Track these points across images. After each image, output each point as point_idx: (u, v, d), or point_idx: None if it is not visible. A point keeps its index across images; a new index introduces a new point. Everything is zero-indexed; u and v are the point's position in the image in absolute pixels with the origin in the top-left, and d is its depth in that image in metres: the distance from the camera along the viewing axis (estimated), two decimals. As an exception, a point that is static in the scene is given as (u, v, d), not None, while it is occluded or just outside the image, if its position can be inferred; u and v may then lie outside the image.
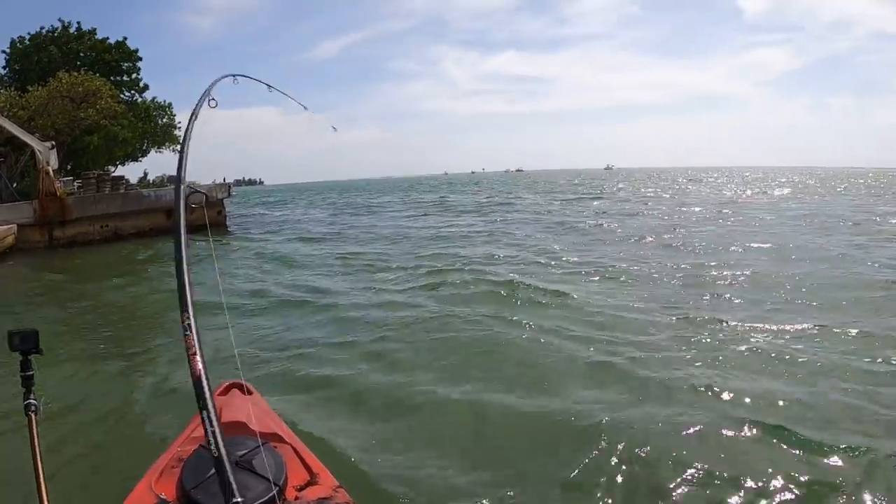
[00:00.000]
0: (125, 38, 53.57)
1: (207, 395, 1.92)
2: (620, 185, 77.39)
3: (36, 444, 2.35)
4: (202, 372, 1.96)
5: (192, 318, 2.08)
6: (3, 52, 51.87)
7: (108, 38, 52.79)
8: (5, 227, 29.47)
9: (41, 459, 2.32)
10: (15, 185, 38.55)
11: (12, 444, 5.04)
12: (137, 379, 8.67)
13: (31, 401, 2.48)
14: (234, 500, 1.83)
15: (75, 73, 43.07)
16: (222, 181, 42.89)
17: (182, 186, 2.57)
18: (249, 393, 3.51)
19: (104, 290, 17.28)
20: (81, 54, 50.78)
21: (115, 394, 8.02)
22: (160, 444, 3.61)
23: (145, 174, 51.67)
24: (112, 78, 49.34)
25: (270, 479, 2.21)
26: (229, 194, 41.89)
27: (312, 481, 2.60)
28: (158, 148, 54.98)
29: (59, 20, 52.07)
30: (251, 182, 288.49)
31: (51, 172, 33.94)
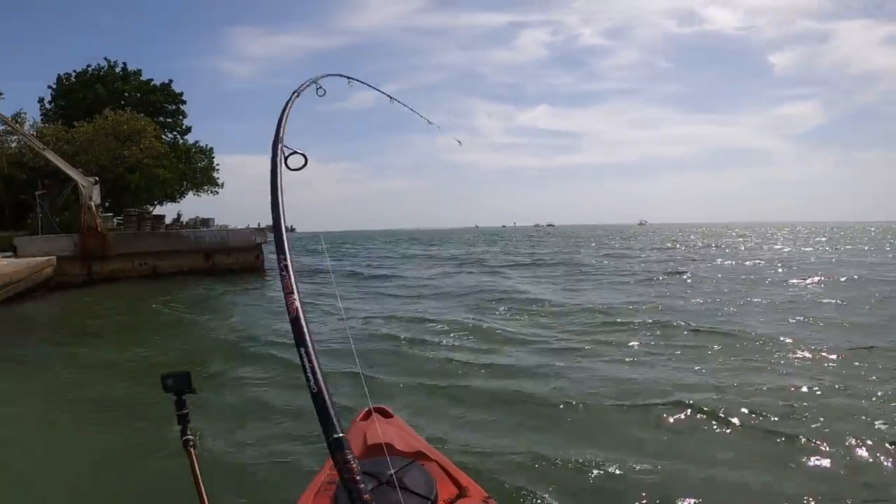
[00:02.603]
0: (170, 81, 54.43)
1: (305, 332, 1.92)
2: (699, 243, 72.86)
3: (199, 477, 2.52)
4: (299, 310, 1.97)
5: (288, 258, 2.13)
6: (51, 87, 52.73)
7: (152, 79, 53.54)
8: (45, 258, 29.24)
9: (206, 492, 2.48)
10: (57, 218, 38.56)
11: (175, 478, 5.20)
12: (274, 402, 9.21)
13: (189, 437, 2.62)
14: None
15: (121, 112, 43.44)
16: (257, 226, 42.75)
17: (280, 146, 2.56)
18: (390, 416, 3.62)
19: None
20: (126, 94, 51.48)
21: (258, 419, 8.47)
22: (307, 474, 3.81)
23: (179, 215, 51.76)
24: (156, 118, 49.97)
25: (423, 494, 2.33)
26: (266, 240, 41.70)
27: (462, 494, 2.69)
28: (197, 191, 55.17)
29: (106, 59, 53.24)
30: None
31: (93, 207, 33.95)
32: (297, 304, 2.00)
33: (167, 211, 51.82)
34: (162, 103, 53.26)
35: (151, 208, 50.43)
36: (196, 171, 54.53)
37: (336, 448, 1.73)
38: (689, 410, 8.04)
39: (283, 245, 2.19)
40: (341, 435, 1.75)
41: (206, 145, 56.17)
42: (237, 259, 37.54)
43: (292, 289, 2.04)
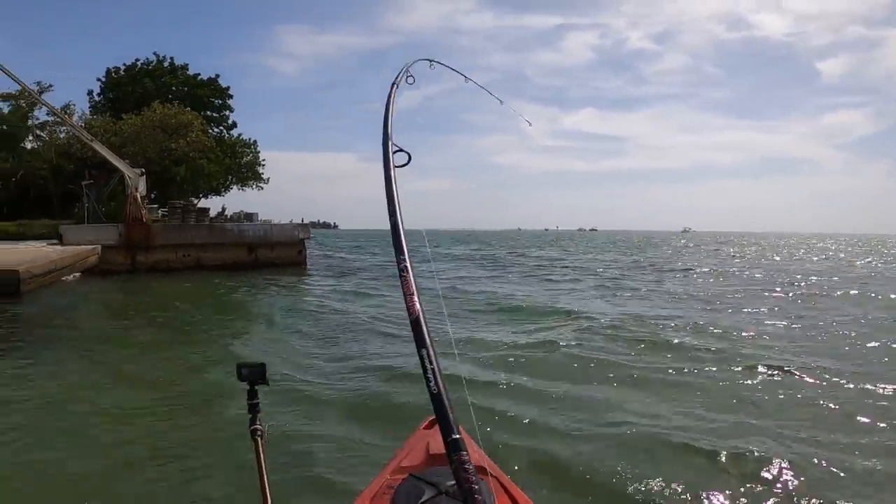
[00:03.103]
0: (217, 76, 54.80)
1: (426, 333, 1.94)
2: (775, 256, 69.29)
3: (263, 466, 2.54)
4: (420, 313, 1.98)
5: (407, 259, 2.13)
6: (99, 80, 53.36)
7: (199, 73, 53.98)
8: (90, 246, 29.60)
9: (268, 480, 2.51)
10: (103, 207, 39.00)
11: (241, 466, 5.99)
12: (337, 403, 9.09)
13: (258, 426, 2.66)
14: None
15: (169, 105, 43.80)
16: (301, 222, 42.79)
17: (389, 142, 2.55)
18: None
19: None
20: (174, 88, 51.93)
21: (323, 418, 8.44)
22: (371, 471, 3.60)
23: (223, 209, 52.08)
24: (203, 113, 50.35)
25: None
26: (308, 236, 41.70)
27: None
28: (241, 185, 55.52)
29: (154, 54, 53.91)
30: (326, 225, 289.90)
31: (139, 198, 34.28)
32: (418, 305, 2.01)
33: (212, 204, 52.39)
34: (209, 98, 53.70)
35: (196, 201, 50.79)
36: (241, 165, 54.81)
37: (453, 449, 1.77)
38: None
39: (402, 246, 2.20)
40: (459, 436, 1.79)
41: (251, 138, 56.65)
42: (280, 254, 37.76)
43: (412, 290, 2.06)
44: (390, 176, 2.44)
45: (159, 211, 39.00)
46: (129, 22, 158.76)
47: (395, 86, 3.13)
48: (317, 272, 36.65)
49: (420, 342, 1.93)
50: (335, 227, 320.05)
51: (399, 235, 2.23)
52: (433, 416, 3.05)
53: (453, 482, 2.18)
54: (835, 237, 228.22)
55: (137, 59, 53.49)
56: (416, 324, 1.98)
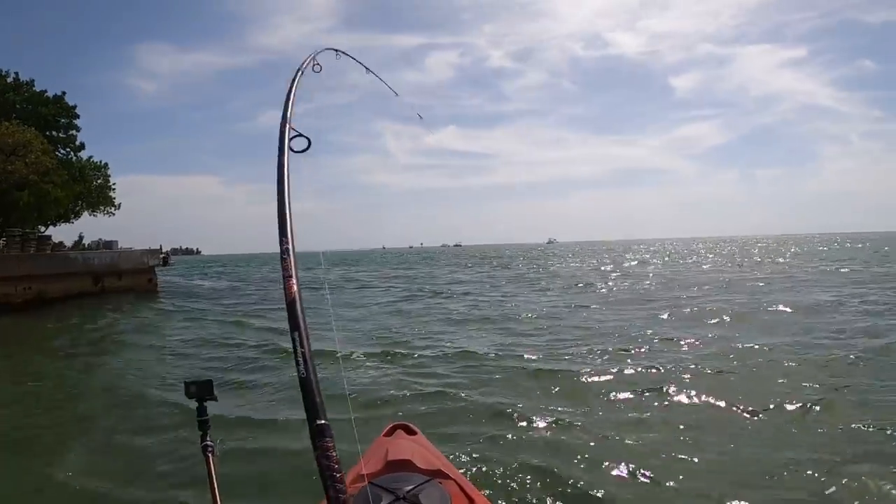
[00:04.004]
0: (64, 93, 51.46)
1: (300, 317, 1.94)
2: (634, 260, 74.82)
3: (215, 482, 2.59)
4: (296, 295, 1.99)
5: (290, 242, 2.15)
6: (-65, 94, 49.28)
7: (46, 90, 50.67)
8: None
9: (219, 495, 2.55)
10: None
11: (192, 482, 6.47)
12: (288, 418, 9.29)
13: (208, 443, 2.69)
14: None
15: (6, 123, 40.74)
16: (158, 248, 40.84)
17: (287, 127, 2.51)
18: (413, 433, 3.66)
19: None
20: (17, 105, 48.38)
21: (270, 432, 8.82)
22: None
23: (80, 237, 49.23)
24: (47, 133, 47.02)
25: None
26: (165, 263, 39.80)
27: None
28: (92, 211, 52.36)
29: (-4, 68, 49.78)
30: (188, 251, 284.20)
31: (-29, 227, 31.51)
32: (296, 288, 2.01)
33: (65, 233, 49.57)
34: (54, 116, 50.24)
35: (44, 229, 47.80)
36: (91, 189, 51.43)
37: (318, 434, 1.74)
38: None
39: (287, 228, 2.19)
40: (325, 422, 1.77)
41: (101, 161, 53.31)
42: (129, 282, 35.93)
43: (291, 272, 2.05)
44: (283, 160, 2.41)
45: (1, 240, 36.29)
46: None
47: (301, 71, 3.12)
48: (173, 299, 34.85)
49: (294, 325, 1.93)
50: (198, 252, 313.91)
51: (285, 217, 2.21)
52: (394, 423, 3.80)
53: (411, 487, 2.53)
54: (691, 241, 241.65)
55: (-23, 74, 49.51)
56: (291, 306, 1.98)
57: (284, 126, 2.53)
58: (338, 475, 1.68)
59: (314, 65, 3.25)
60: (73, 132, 52.01)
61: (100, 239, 45.51)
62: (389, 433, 3.68)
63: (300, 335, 1.90)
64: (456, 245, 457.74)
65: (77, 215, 52.37)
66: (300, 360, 1.85)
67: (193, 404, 2.76)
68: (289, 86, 2.90)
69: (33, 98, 49.71)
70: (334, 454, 1.72)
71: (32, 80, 50.57)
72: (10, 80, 49.71)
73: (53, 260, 35.03)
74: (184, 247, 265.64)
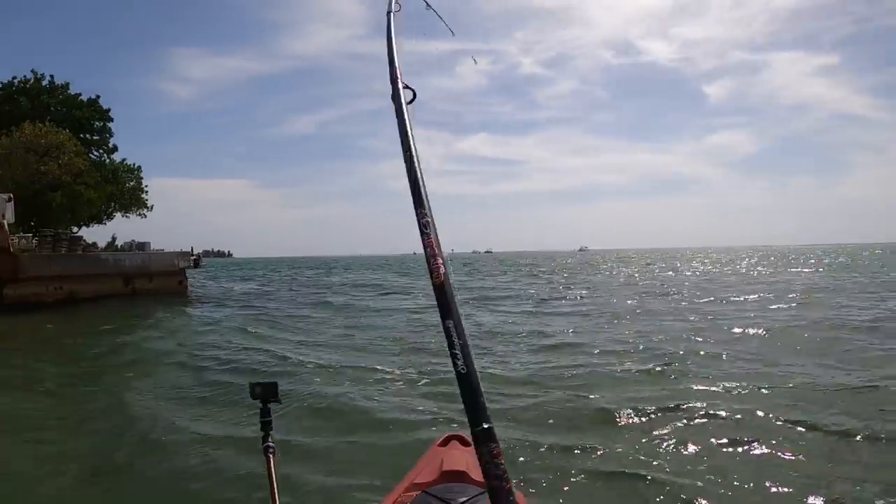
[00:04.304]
0: (98, 97, 52.04)
1: (452, 302, 1.67)
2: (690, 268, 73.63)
3: (274, 482, 2.59)
4: (445, 277, 1.71)
5: (429, 214, 1.80)
6: (-26, 98, 49.89)
7: (80, 94, 51.17)
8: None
9: (278, 495, 2.57)
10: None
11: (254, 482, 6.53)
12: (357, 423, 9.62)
13: (269, 444, 2.72)
14: None
15: (40, 125, 41.11)
16: (190, 250, 40.92)
17: (399, 78, 2.13)
18: (468, 444, 3.44)
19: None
20: (52, 108, 48.92)
21: (333, 437, 8.97)
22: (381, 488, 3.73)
23: (114, 238, 49.60)
24: (81, 135, 47.66)
25: None
26: (196, 265, 39.81)
27: None
28: (125, 212, 52.73)
29: (32, 71, 50.52)
30: (220, 254, 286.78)
31: (5, 226, 31.69)
32: (443, 269, 1.74)
33: (98, 233, 49.80)
34: (88, 119, 50.78)
35: (77, 230, 48.19)
36: (124, 191, 51.93)
37: (484, 440, 1.53)
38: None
39: (422, 196, 1.86)
40: (490, 425, 1.55)
41: (134, 164, 53.84)
42: (159, 284, 35.85)
43: (436, 250, 1.76)
44: (404, 116, 2.04)
45: (34, 240, 36.45)
46: (15, 43, 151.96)
47: (391, 13, 2.64)
48: (200, 303, 34.78)
49: (445, 312, 1.67)
50: (229, 255, 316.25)
51: (418, 184, 1.88)
52: (448, 434, 3.69)
53: (465, 498, 2.57)
54: (730, 250, 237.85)
55: (14, 77, 50.15)
56: (440, 290, 1.71)
57: (396, 79, 2.19)
58: (507, 485, 1.47)
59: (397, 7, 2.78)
60: (107, 135, 52.58)
61: (133, 240, 45.80)
62: (444, 443, 3.61)
63: (454, 324, 1.66)
64: (486, 251, 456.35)
65: (110, 216, 53.00)
66: (458, 353, 1.62)
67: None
68: (386, 28, 2.54)
69: (68, 101, 50.33)
70: (503, 463, 1.49)
71: (68, 84, 51.26)
72: (45, 83, 50.32)
73: (85, 261, 35.15)
74: (215, 249, 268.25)
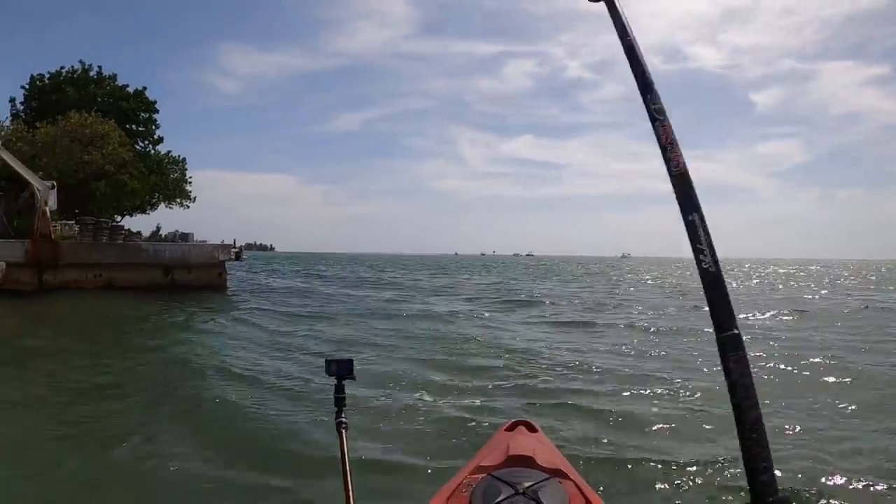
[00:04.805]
0: (145, 88, 52.63)
1: (694, 194, 1.70)
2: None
3: (346, 458, 2.64)
4: (683, 166, 1.73)
5: (660, 100, 1.77)
6: (23, 87, 50.75)
7: (127, 85, 51.79)
8: (-8, 264, 27.52)
9: (350, 471, 2.60)
10: (16, 223, 36.78)
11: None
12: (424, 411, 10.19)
13: (342, 419, 2.77)
14: None
15: (86, 115, 41.58)
16: (232, 243, 41.08)
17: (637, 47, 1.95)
18: (535, 430, 3.40)
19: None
20: (99, 98, 49.54)
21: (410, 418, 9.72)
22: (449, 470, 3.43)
23: (158, 228, 50.05)
24: (127, 126, 48.26)
25: None
26: (237, 258, 39.88)
27: None
28: (169, 203, 53.24)
29: (80, 62, 51.31)
30: (262, 247, 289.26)
31: (48, 213, 32.26)
32: (682, 158, 1.73)
33: (141, 223, 50.26)
34: (134, 110, 51.33)
35: (120, 219, 48.72)
36: (168, 182, 52.48)
37: (730, 345, 1.52)
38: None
39: (651, 83, 1.79)
40: (738, 331, 1.55)
41: (179, 155, 54.29)
42: (198, 276, 35.88)
43: (672, 137, 1.75)
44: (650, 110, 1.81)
45: (76, 227, 36.87)
46: (67, 38, 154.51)
47: None
48: (238, 297, 34.92)
49: (687, 205, 1.69)
50: (272, 248, 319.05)
51: (645, 73, 1.82)
52: (515, 419, 3.55)
53: (531, 483, 2.40)
54: (776, 262, 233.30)
55: (62, 67, 50.85)
56: (681, 180, 1.73)
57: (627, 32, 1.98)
58: (752, 390, 1.45)
59: None
60: (153, 126, 53.11)
61: (177, 230, 46.18)
62: (510, 428, 3.43)
63: (698, 218, 1.67)
64: (528, 255, 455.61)
65: (154, 207, 53.53)
66: (703, 248, 1.61)
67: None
68: None
69: (115, 92, 50.93)
70: (748, 370, 1.47)
71: (115, 75, 51.92)
72: (92, 73, 50.93)
73: (124, 250, 35.52)
74: (258, 242, 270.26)
